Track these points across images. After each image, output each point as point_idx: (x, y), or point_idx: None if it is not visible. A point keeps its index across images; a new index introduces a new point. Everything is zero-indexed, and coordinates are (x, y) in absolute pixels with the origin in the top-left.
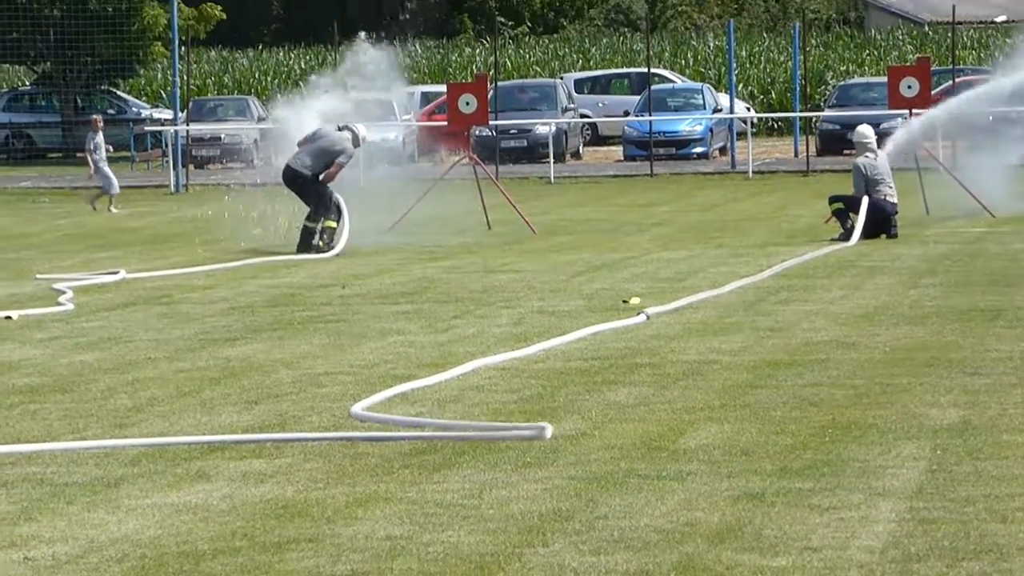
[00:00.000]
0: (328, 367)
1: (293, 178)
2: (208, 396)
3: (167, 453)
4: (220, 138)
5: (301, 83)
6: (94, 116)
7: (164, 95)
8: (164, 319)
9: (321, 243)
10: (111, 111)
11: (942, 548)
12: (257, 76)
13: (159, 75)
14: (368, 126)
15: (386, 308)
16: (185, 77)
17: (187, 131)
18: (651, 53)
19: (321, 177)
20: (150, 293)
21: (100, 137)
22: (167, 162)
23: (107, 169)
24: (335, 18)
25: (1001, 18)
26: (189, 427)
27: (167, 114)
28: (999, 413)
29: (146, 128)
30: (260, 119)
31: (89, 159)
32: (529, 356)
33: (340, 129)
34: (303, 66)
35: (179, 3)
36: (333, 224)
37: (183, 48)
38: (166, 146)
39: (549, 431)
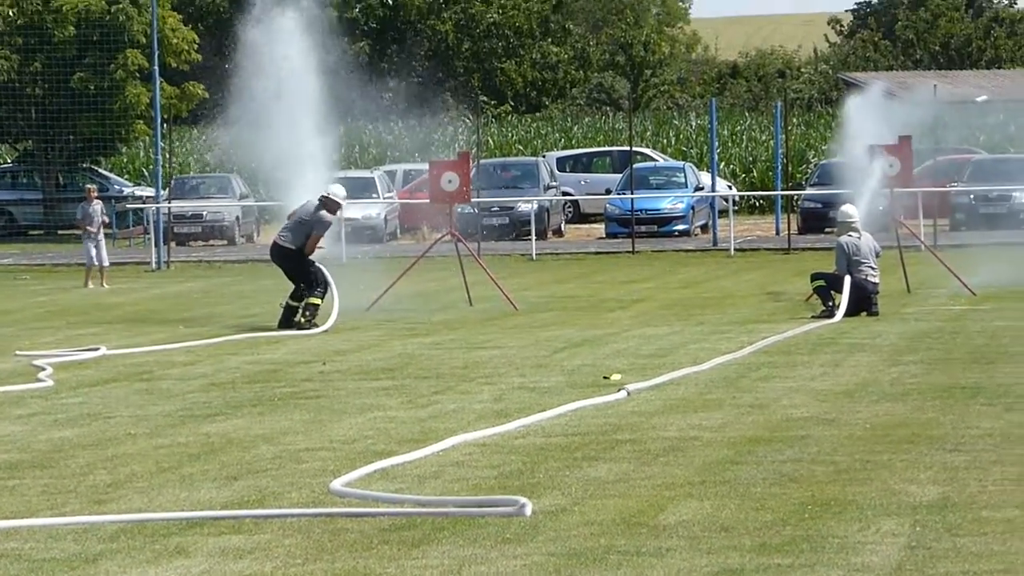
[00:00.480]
0: (308, 443)
1: (280, 254)
2: (188, 472)
3: (146, 529)
4: (202, 215)
5: None
6: (88, 186)
7: (146, 173)
8: (144, 395)
9: (303, 320)
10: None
11: None
12: (239, 154)
13: (141, 153)
14: (350, 204)
15: (367, 384)
16: (167, 155)
17: (169, 208)
18: (633, 131)
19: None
20: (130, 369)
21: (93, 207)
22: (149, 239)
23: (90, 243)
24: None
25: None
26: (168, 503)
27: (149, 191)
28: (978, 490)
29: (128, 206)
30: (242, 196)
31: (85, 229)
32: (510, 432)
33: (323, 203)
34: None
35: (161, 82)
36: (317, 301)
37: (165, 126)
38: (148, 223)
39: (529, 507)
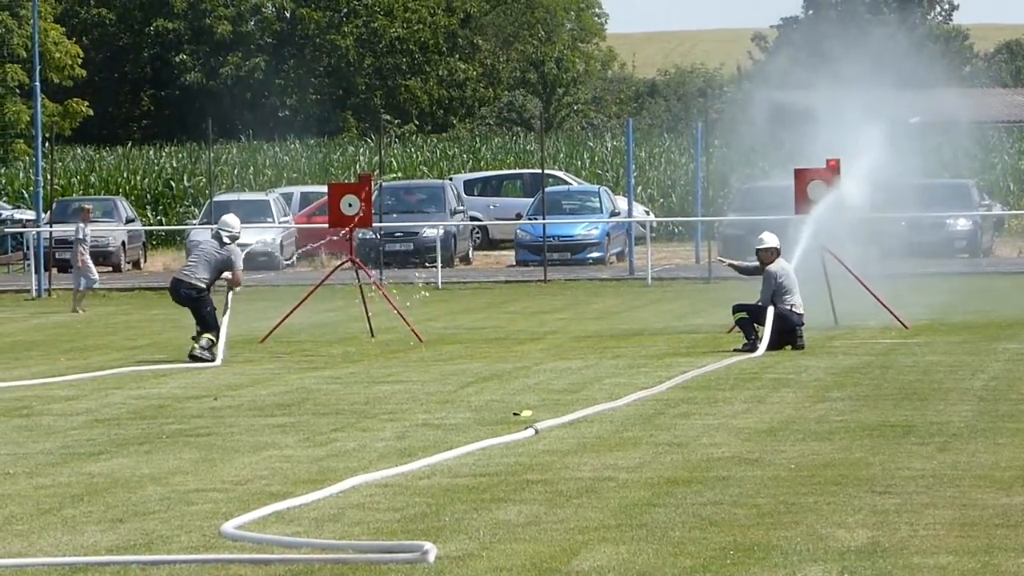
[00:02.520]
0: (198, 483)
1: (185, 295)
2: (70, 514)
3: (25, 574)
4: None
5: (172, 183)
6: (85, 206)
7: (26, 195)
8: (23, 432)
9: (205, 353)
10: None
11: None
12: (125, 175)
13: (21, 174)
14: (243, 229)
15: (261, 421)
16: (49, 176)
17: (50, 233)
18: (546, 153)
19: (233, 288)
20: (9, 404)
21: (88, 229)
22: (29, 265)
23: (89, 263)
24: (209, 115)
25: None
26: (50, 547)
27: (29, 215)
28: (909, 534)
29: (6, 230)
30: (128, 220)
31: (77, 249)
32: (413, 472)
33: (215, 236)
34: (175, 165)
35: (43, 98)
36: (213, 339)
37: (47, 145)
38: (28, 249)
39: (432, 553)
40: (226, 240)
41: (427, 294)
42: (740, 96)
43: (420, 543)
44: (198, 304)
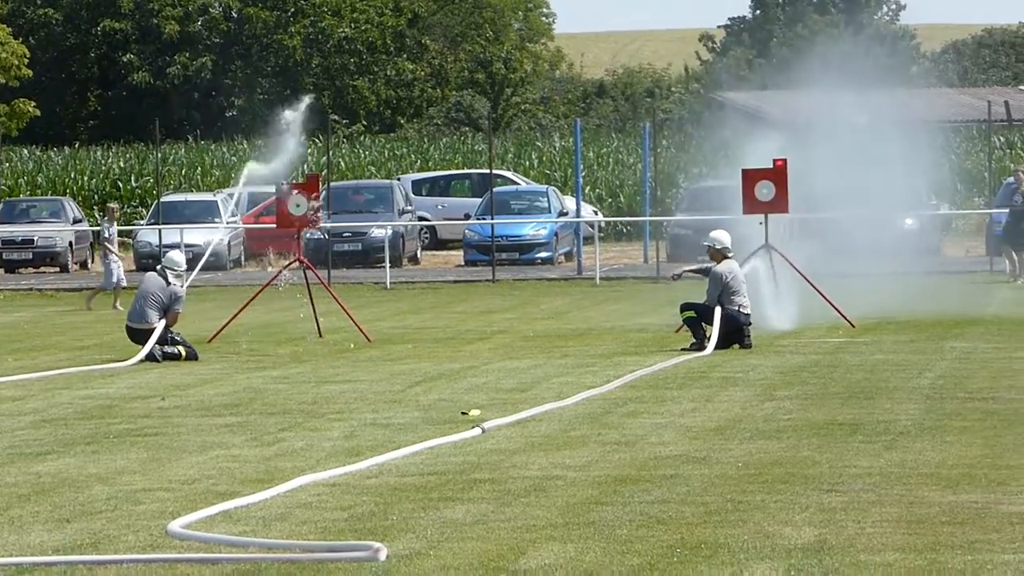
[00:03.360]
0: (146, 483)
1: (139, 337)
2: (17, 514)
3: None
4: (33, 241)
5: (120, 183)
6: (110, 205)
7: None
8: None
9: (160, 352)
10: None
11: None
12: (73, 176)
13: None
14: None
15: (208, 420)
16: None
17: None
18: (494, 153)
19: (164, 325)
20: None
21: (114, 228)
22: None
23: (113, 264)
24: (157, 115)
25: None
26: None
27: None
28: (856, 532)
29: None
30: (75, 221)
31: (105, 248)
32: (361, 471)
33: (160, 274)
34: (122, 165)
35: None
36: (180, 351)
37: None
38: None
39: (384, 552)
40: (172, 280)
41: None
42: (688, 96)
43: (370, 543)
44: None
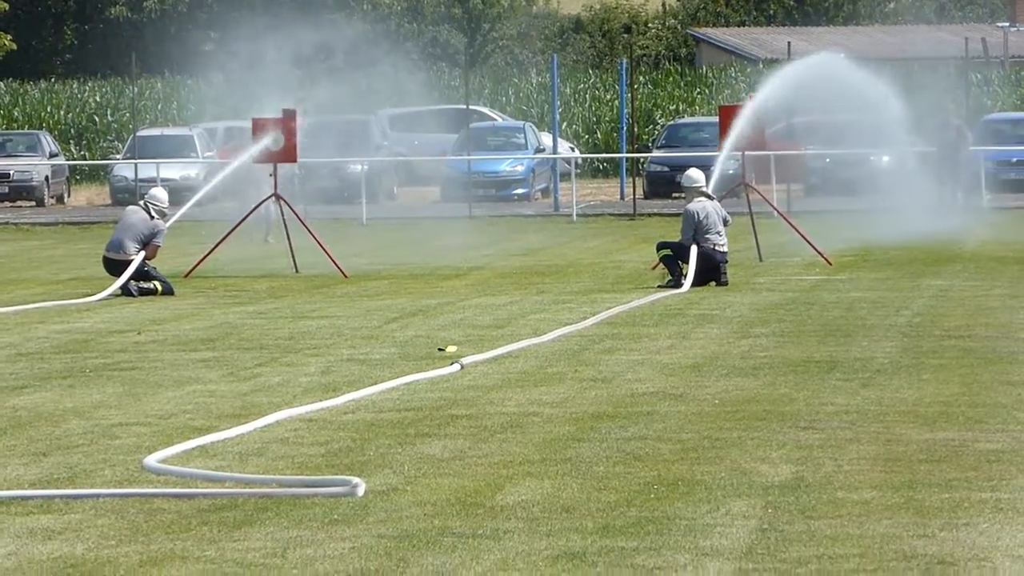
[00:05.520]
0: (122, 418)
1: (115, 268)
2: None
3: None
4: (9, 175)
5: (96, 117)
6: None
7: None
8: None
9: (135, 290)
10: None
11: None
12: (49, 110)
13: None
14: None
15: (185, 355)
16: None
17: None
18: (470, 89)
19: (143, 256)
20: None
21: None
22: None
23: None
24: (133, 49)
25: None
26: None
27: None
28: (833, 469)
29: None
30: (52, 155)
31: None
32: (338, 407)
33: (148, 209)
34: (99, 99)
35: None
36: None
37: None
38: None
39: (362, 488)
40: (154, 214)
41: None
42: (666, 32)
43: (348, 478)
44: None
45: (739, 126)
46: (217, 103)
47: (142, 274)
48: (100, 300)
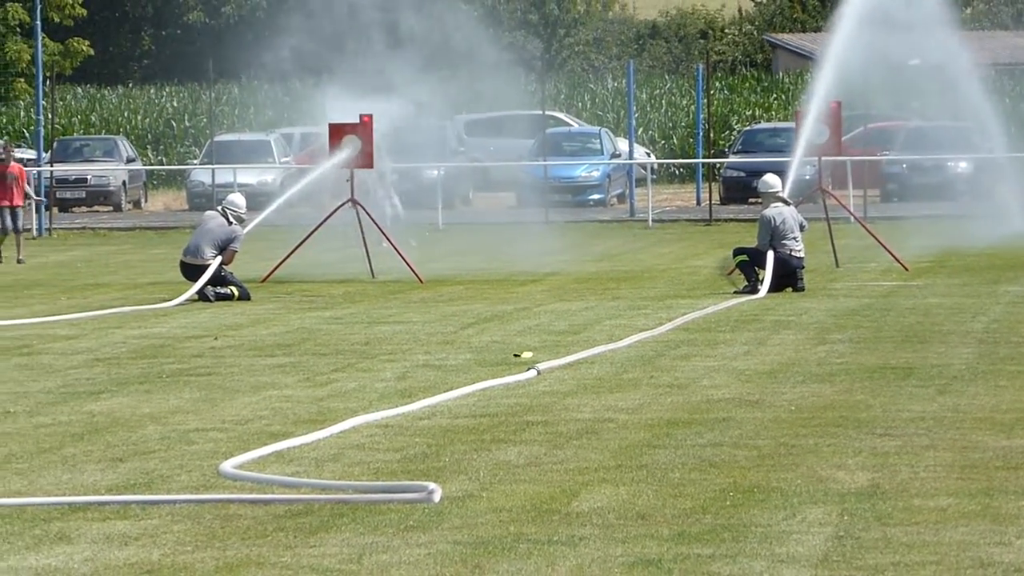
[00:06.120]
0: (199, 423)
1: (193, 273)
2: (70, 453)
3: (26, 513)
4: (87, 180)
5: (173, 122)
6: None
7: (27, 134)
8: (24, 370)
9: (213, 294)
10: None
11: None
12: (126, 115)
13: (22, 113)
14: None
15: (261, 361)
16: (50, 115)
17: (51, 172)
18: (546, 94)
19: (220, 260)
20: (9, 343)
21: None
22: (30, 205)
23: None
24: (210, 54)
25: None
26: (50, 486)
27: (30, 154)
28: (910, 476)
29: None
30: (129, 160)
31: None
32: (413, 412)
33: (226, 215)
34: (176, 105)
35: (44, 37)
36: (233, 292)
37: (47, 84)
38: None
39: (438, 493)
40: (231, 220)
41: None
42: (742, 38)
43: (425, 484)
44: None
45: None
46: (293, 108)
47: (219, 279)
48: (177, 305)
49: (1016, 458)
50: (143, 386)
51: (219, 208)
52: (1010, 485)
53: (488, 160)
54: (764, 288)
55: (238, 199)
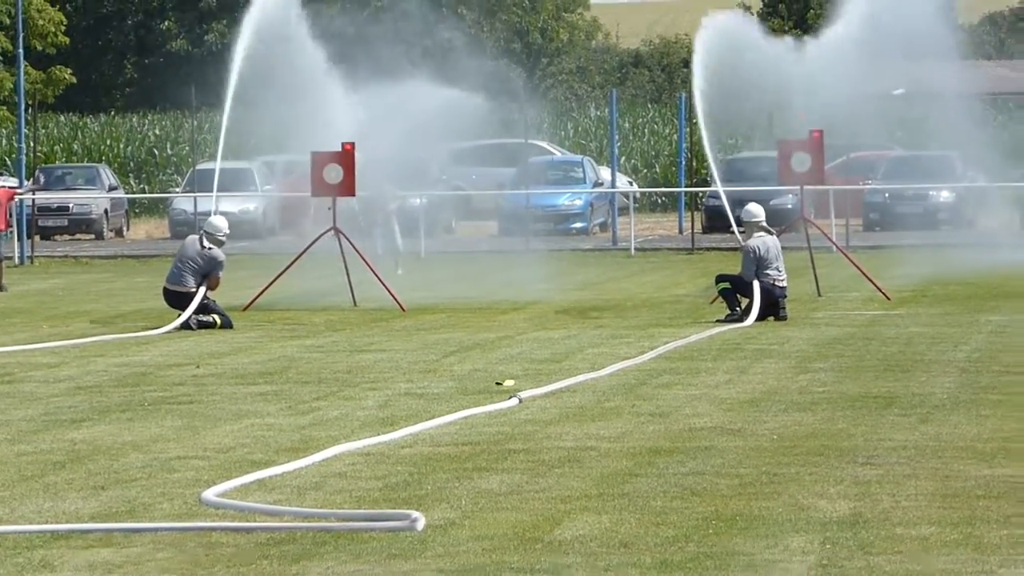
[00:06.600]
0: (181, 451)
1: (176, 300)
2: (52, 481)
3: (7, 541)
4: (68, 208)
5: (156, 151)
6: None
7: (9, 162)
8: (5, 399)
9: (194, 324)
10: None
11: None
12: (108, 143)
13: (3, 141)
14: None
15: (243, 389)
16: (32, 143)
17: (33, 200)
18: (528, 123)
19: (204, 288)
20: None
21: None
22: (11, 233)
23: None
24: (193, 82)
25: (898, 91)
26: (31, 514)
27: (12, 182)
28: (891, 505)
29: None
30: (111, 188)
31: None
32: (396, 441)
33: (202, 240)
34: (158, 132)
35: (26, 65)
36: (216, 320)
37: (30, 112)
38: (11, 217)
39: (421, 522)
40: (208, 244)
41: (401, 272)
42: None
43: (408, 512)
44: (190, 299)
45: None
46: (275, 138)
47: (202, 307)
48: (163, 333)
49: (998, 487)
50: (125, 414)
51: (200, 234)
52: (992, 514)
53: (470, 189)
54: (752, 317)
55: (219, 221)
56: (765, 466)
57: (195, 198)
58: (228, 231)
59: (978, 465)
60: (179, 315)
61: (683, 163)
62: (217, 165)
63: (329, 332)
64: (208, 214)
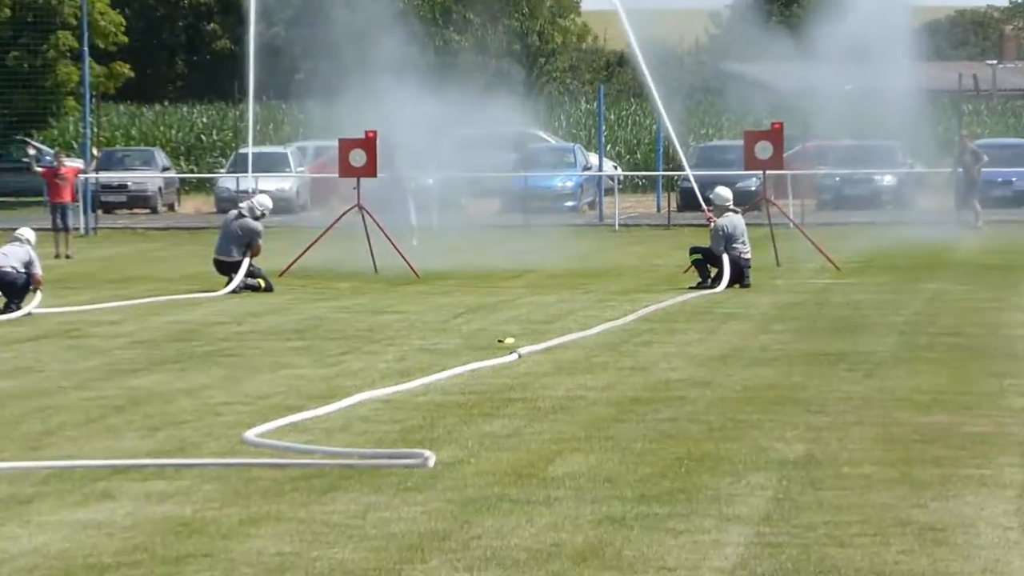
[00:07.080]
0: (225, 397)
1: (225, 268)
2: (113, 423)
3: (75, 474)
4: (127, 186)
5: (203, 136)
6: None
7: (75, 145)
8: (72, 351)
9: (239, 286)
10: (25, 159)
11: (786, 570)
12: (162, 129)
13: (71, 127)
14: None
15: (279, 344)
16: (95, 129)
17: (96, 179)
18: (527, 114)
19: (248, 257)
20: (60, 327)
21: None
22: (77, 206)
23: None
24: (235, 77)
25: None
26: (96, 451)
27: (79, 162)
28: (839, 448)
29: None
30: (164, 169)
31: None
32: (411, 390)
33: (240, 213)
34: (205, 121)
35: (90, 61)
36: (260, 283)
37: (93, 103)
38: (78, 192)
39: (432, 460)
40: (246, 214)
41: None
42: (696, 67)
43: (421, 451)
44: (235, 267)
45: None
46: (308, 125)
47: (249, 272)
48: (211, 297)
49: (931, 433)
50: (177, 365)
51: (242, 206)
52: (926, 456)
53: (477, 171)
54: (722, 285)
55: (266, 200)
56: (730, 413)
57: (237, 178)
58: (271, 207)
59: (915, 414)
60: (228, 280)
61: (660, 150)
62: (249, 150)
63: (353, 295)
64: (248, 192)
